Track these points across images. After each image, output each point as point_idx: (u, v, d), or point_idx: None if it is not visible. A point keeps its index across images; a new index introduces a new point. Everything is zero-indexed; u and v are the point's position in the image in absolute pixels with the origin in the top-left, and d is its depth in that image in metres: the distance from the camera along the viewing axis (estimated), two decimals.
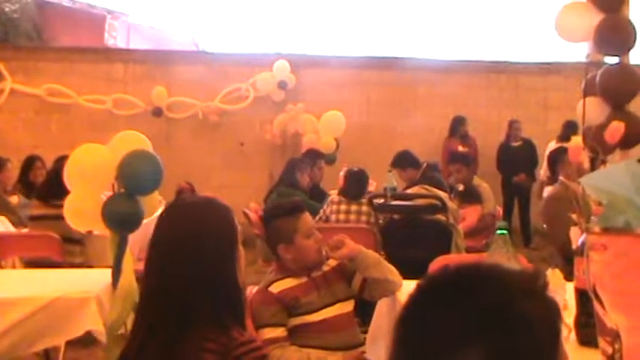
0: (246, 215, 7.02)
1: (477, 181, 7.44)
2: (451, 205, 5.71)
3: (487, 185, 7.54)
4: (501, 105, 11.67)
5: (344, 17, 13.67)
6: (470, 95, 11.62)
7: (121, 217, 3.78)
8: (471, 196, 6.80)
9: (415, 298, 1.20)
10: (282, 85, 11.29)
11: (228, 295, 2.06)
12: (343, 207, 6.34)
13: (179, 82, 11.42)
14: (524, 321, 1.12)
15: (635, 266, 1.87)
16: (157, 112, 11.16)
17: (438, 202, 5.66)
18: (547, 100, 10.95)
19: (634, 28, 4.49)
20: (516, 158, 10.79)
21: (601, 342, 2.02)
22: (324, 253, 3.32)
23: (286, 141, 11.20)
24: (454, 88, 11.61)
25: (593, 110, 4.64)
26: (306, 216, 3.34)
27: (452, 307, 1.14)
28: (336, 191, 6.68)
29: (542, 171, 9.65)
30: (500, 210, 7.56)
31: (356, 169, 6.67)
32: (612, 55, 4.53)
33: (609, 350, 1.96)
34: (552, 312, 1.18)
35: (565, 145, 6.69)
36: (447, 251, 5.24)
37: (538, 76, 11.29)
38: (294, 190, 6.85)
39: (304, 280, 3.29)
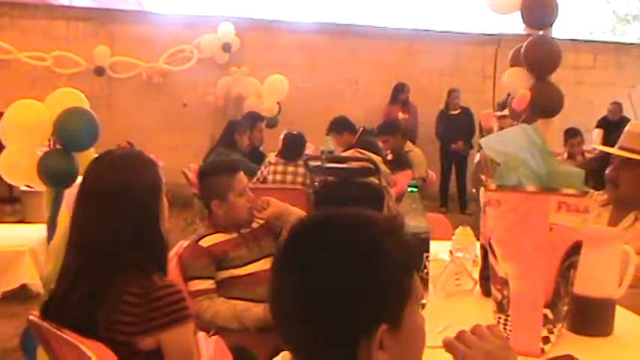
0: (185, 175, 7.12)
1: (408, 146, 7.64)
2: (384, 168, 5.86)
3: (419, 150, 7.75)
4: (442, 73, 11.87)
5: None
6: (412, 63, 11.80)
7: (56, 172, 3.83)
8: (401, 163, 7.01)
9: (294, 235, 1.34)
10: (226, 48, 11.33)
11: (151, 243, 2.19)
12: (280, 168, 6.49)
13: (123, 41, 11.40)
14: (383, 255, 1.27)
15: (523, 220, 2.05)
16: (100, 71, 11.11)
17: (371, 165, 5.82)
18: (485, 70, 11.15)
19: (556, 3, 4.68)
20: (454, 126, 11.03)
21: (493, 290, 2.19)
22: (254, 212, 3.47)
23: (229, 103, 11.25)
24: (397, 55, 11.79)
25: (518, 80, 4.84)
26: (241, 175, 3.48)
27: (323, 245, 1.28)
28: (274, 153, 6.81)
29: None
30: (432, 175, 7.78)
31: (294, 132, 6.80)
32: (535, 29, 4.71)
33: (499, 296, 2.14)
34: (409, 249, 1.32)
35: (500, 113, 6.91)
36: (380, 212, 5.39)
37: (477, 46, 11.49)
38: (233, 151, 6.97)
39: (234, 235, 3.43)
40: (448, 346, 1.43)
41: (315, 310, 1.24)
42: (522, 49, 4.77)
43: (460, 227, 3.07)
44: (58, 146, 3.86)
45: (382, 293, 1.25)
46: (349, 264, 1.24)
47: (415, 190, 2.47)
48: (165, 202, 2.30)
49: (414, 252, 1.37)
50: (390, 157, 7.21)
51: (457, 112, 11.18)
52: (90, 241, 2.15)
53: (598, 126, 10.13)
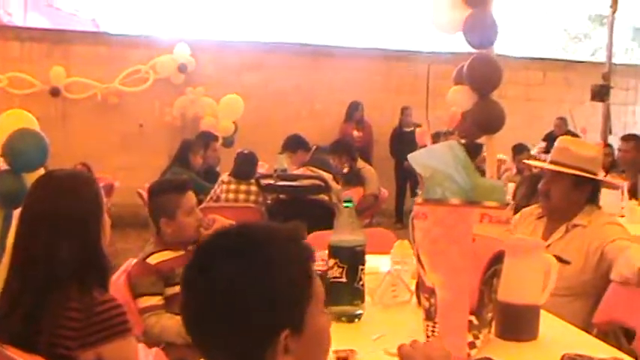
0: (140, 195, 7.16)
1: (360, 164, 7.78)
2: (334, 185, 6.01)
3: (371, 168, 7.91)
4: (397, 91, 12.05)
5: (244, 2, 13.75)
6: (367, 81, 11.95)
7: (5, 193, 3.87)
8: (353, 179, 7.17)
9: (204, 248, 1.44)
10: (182, 69, 11.39)
11: (91, 261, 2.26)
12: (233, 187, 6.57)
13: (78, 62, 11.37)
14: (278, 264, 1.36)
15: (448, 231, 2.16)
16: (55, 92, 11.07)
17: (321, 183, 5.95)
18: (442, 88, 11.31)
19: (496, 23, 4.83)
20: (408, 143, 11.13)
21: (422, 299, 2.30)
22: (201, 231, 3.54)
23: (186, 124, 11.32)
24: (352, 74, 11.93)
25: (462, 98, 4.98)
26: (190, 195, 3.56)
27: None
28: (228, 173, 6.89)
29: None
30: (384, 192, 7.91)
31: (246, 151, 6.90)
32: (477, 49, 4.85)
33: (427, 305, 2.25)
34: (306, 254, 1.42)
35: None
36: (330, 229, 5.51)
37: (434, 65, 11.67)
38: (186, 171, 7.03)
39: (181, 253, 3.49)
40: (399, 350, 1.57)
41: (220, 321, 1.34)
42: (465, 68, 4.90)
43: (398, 241, 3.17)
44: (6, 167, 3.90)
45: (281, 300, 1.34)
46: (247, 275, 1.33)
47: (350, 204, 2.57)
48: (106, 219, 2.37)
49: (312, 258, 1.46)
50: (345, 170, 7.36)
51: (410, 129, 11.31)
52: (30, 261, 2.22)
53: (544, 140, 10.34)
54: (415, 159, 2.31)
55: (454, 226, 2.16)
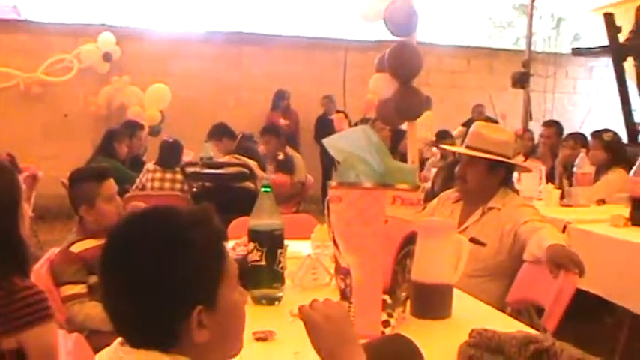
0: (64, 186, 7.07)
1: (289, 151, 7.84)
2: (259, 173, 6.05)
3: (299, 155, 7.98)
4: (320, 79, 12.09)
5: None
6: (292, 70, 12.01)
7: None
8: (287, 166, 7.26)
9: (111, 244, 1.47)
10: (107, 57, 11.27)
11: (10, 248, 2.27)
12: (158, 175, 6.56)
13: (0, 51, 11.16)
14: (187, 244, 1.40)
15: (362, 214, 2.23)
16: None
17: (246, 171, 5.99)
18: (364, 76, 11.44)
19: (416, 12, 4.93)
20: (332, 130, 11.24)
21: (337, 279, 2.37)
22: None
23: (111, 113, 11.22)
24: (278, 62, 11.99)
25: (384, 85, 5.07)
26: (110, 182, 3.55)
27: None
28: (153, 162, 6.87)
29: None
30: (310, 178, 7.98)
31: (171, 139, 6.89)
32: (398, 37, 4.94)
33: (342, 285, 2.32)
34: (216, 233, 1.48)
35: None
36: None
37: (357, 53, 11.78)
38: (112, 160, 6.98)
39: (104, 241, 3.48)
40: (299, 310, 1.62)
41: (135, 300, 1.38)
42: (386, 56, 4.99)
43: (318, 225, 3.23)
44: None
45: (191, 278, 1.39)
46: (157, 255, 1.37)
47: (269, 190, 2.62)
48: (26, 208, 2.38)
49: (223, 238, 1.51)
50: (281, 156, 7.43)
51: (334, 116, 11.41)
52: None
53: (464, 125, 10.51)
54: (330, 143, 2.37)
55: (367, 208, 2.23)
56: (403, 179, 2.28)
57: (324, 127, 11.30)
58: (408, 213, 2.25)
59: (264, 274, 2.57)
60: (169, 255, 1.38)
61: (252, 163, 6.18)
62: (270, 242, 2.57)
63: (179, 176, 6.50)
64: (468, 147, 3.55)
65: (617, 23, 8.93)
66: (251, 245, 2.59)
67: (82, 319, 3.27)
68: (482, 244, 3.42)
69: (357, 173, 2.27)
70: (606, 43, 9.10)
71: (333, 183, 2.31)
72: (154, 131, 10.32)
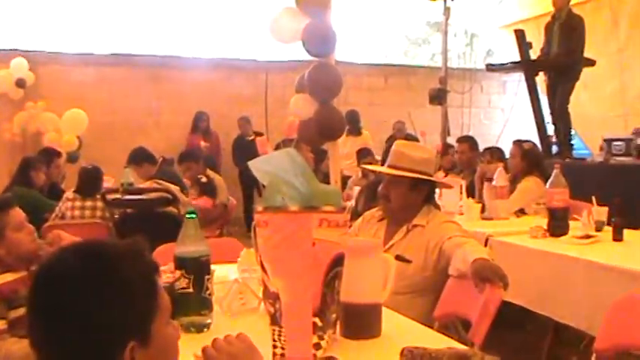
0: None
1: (210, 174, 7.80)
2: (182, 197, 5.99)
3: (220, 177, 7.96)
4: (238, 101, 12.08)
5: (81, 13, 13.43)
6: (211, 91, 11.97)
7: None
8: (209, 189, 7.22)
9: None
10: (20, 83, 11.03)
11: None
12: (78, 203, 6.43)
13: None
14: (117, 279, 1.39)
15: (289, 238, 2.22)
16: None
17: (169, 196, 5.93)
18: (285, 97, 11.47)
19: (334, 32, 4.96)
20: (251, 152, 11.21)
21: (266, 304, 2.36)
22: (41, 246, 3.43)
23: (27, 140, 10.97)
24: (196, 84, 11.92)
25: (304, 106, 5.08)
26: (15, 210, 3.42)
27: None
28: (73, 189, 6.74)
29: None
30: (232, 200, 7.95)
31: (90, 166, 6.77)
32: (316, 57, 4.96)
33: (272, 310, 2.30)
34: (148, 267, 1.46)
35: None
36: None
37: (277, 74, 11.81)
38: (29, 189, 6.82)
39: (23, 273, 3.38)
40: (203, 353, 1.58)
41: (66, 336, 1.35)
42: (306, 76, 5.00)
43: (245, 249, 3.21)
44: None
45: (124, 315, 1.37)
46: (87, 291, 1.35)
47: (194, 216, 2.60)
48: None
49: (156, 272, 1.49)
50: (204, 179, 7.38)
51: (251, 137, 11.38)
52: None
53: (387, 142, 10.60)
54: (255, 166, 2.37)
55: (294, 232, 2.22)
56: (329, 201, 2.28)
57: (241, 149, 11.33)
58: (334, 235, 2.25)
59: (192, 302, 2.54)
60: (100, 291, 1.36)
61: (175, 188, 6.12)
62: (198, 269, 2.55)
63: (100, 203, 6.38)
64: (390, 166, 3.58)
65: (528, 39, 9.16)
66: (178, 273, 2.55)
67: (3, 356, 3.16)
68: (408, 262, 3.46)
69: (282, 196, 2.27)
70: (518, 58, 9.32)
71: (258, 207, 2.30)
72: (72, 158, 10.14)
